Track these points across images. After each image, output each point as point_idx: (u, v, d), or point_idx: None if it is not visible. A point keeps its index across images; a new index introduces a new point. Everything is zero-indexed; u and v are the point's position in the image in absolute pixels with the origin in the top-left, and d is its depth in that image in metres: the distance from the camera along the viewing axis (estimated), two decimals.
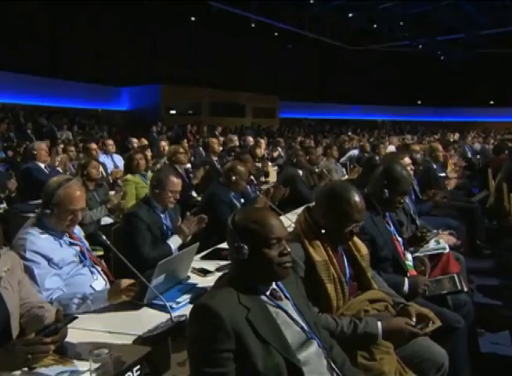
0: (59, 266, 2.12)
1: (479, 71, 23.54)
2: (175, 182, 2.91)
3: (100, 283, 2.27)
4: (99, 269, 2.33)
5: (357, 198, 1.99)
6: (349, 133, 17.74)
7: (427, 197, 4.30)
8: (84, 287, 2.17)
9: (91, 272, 2.27)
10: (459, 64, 22.93)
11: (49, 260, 2.09)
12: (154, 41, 18.52)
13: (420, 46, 23.00)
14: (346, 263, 2.06)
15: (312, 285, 1.90)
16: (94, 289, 2.19)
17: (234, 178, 3.63)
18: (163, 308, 2.00)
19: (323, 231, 1.99)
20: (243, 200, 3.79)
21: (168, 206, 2.94)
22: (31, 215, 2.29)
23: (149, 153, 5.45)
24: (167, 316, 1.93)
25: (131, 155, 4.61)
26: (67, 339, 1.61)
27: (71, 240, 2.26)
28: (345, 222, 1.96)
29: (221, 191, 3.67)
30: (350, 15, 20.22)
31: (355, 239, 2.13)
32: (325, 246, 1.98)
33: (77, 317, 1.58)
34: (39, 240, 2.11)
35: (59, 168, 5.71)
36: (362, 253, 2.11)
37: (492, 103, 26.46)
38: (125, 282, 2.02)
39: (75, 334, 1.71)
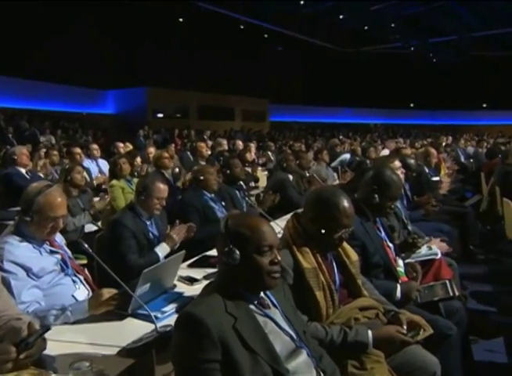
0: (38, 276, 2.10)
1: (472, 74, 23.86)
2: (161, 188, 2.90)
3: (83, 292, 2.25)
4: (82, 278, 2.31)
5: (346, 203, 2.00)
6: (341, 137, 17.84)
7: (419, 203, 4.33)
8: (66, 296, 2.15)
9: (74, 282, 2.24)
10: (452, 66, 23.20)
11: (28, 270, 2.07)
12: (141, 42, 18.47)
13: (412, 48, 23.30)
14: (336, 270, 2.06)
15: (301, 293, 1.91)
16: (76, 299, 2.17)
17: (202, 177, 3.67)
18: (147, 318, 1.98)
19: (312, 237, 2.00)
20: (223, 203, 3.79)
21: (154, 213, 2.93)
22: (11, 222, 2.27)
23: (138, 159, 5.44)
24: (152, 326, 1.92)
25: (114, 160, 4.61)
26: (47, 352, 1.60)
27: (52, 249, 2.23)
28: (334, 228, 1.98)
29: (192, 196, 3.71)
30: (341, 16, 20.43)
31: (345, 245, 2.14)
32: (314, 252, 1.99)
33: (49, 329, 1.56)
34: (18, 250, 2.09)
35: (40, 174, 5.66)
36: (352, 259, 2.12)
37: (485, 105, 26.82)
38: (106, 292, 2.01)
39: (55, 346, 1.69)
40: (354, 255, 2.15)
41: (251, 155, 7.91)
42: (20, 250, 2.10)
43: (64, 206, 2.21)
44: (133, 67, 18.15)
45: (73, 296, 2.18)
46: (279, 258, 1.54)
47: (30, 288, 2.05)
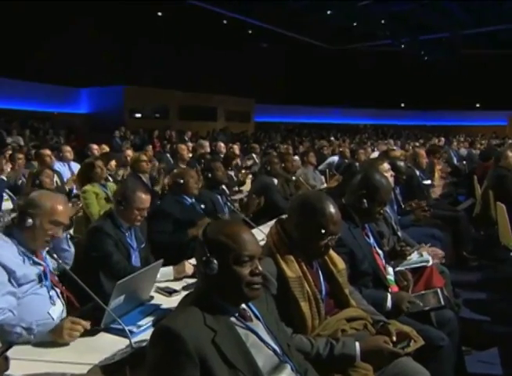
0: (19, 283, 2.11)
1: (464, 72, 24.26)
2: (143, 198, 2.86)
3: (58, 308, 2.25)
4: (58, 291, 2.31)
5: (332, 209, 2.01)
6: (331, 138, 17.97)
7: (410, 208, 4.37)
8: (40, 308, 2.15)
9: (50, 297, 2.24)
10: (444, 65, 23.56)
11: (11, 273, 2.08)
12: (117, 37, 18.33)
13: (403, 46, 23.59)
14: (322, 279, 2.07)
15: (286, 303, 1.91)
16: (51, 316, 2.17)
17: (182, 181, 3.66)
18: (121, 333, 1.97)
19: (297, 244, 2.01)
20: (203, 206, 3.79)
21: (135, 224, 2.90)
22: None
23: (113, 163, 5.39)
24: (127, 341, 1.90)
25: (89, 162, 4.55)
26: (13, 371, 1.57)
27: (35, 259, 2.24)
28: (320, 235, 1.98)
29: (171, 202, 3.70)
30: (329, 12, 20.59)
31: (331, 253, 2.15)
32: (299, 261, 1.99)
33: (10, 347, 1.53)
34: (2, 249, 2.11)
35: (3, 177, 5.54)
36: (339, 268, 2.13)
37: (478, 105, 27.28)
38: (71, 322, 1.96)
39: (19, 365, 1.67)
40: (341, 264, 2.15)
41: (237, 158, 7.95)
42: (5, 251, 2.12)
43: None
44: (109, 64, 17.98)
45: (48, 313, 2.18)
46: (261, 268, 1.53)
47: (6, 295, 2.05)
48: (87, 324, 1.96)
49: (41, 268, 2.25)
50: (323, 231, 1.98)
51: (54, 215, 2.20)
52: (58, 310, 2.23)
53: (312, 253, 2.04)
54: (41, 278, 2.23)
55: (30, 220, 2.16)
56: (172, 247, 3.28)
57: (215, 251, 1.50)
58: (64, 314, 2.27)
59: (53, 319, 2.18)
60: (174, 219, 3.59)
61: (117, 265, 2.70)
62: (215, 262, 1.49)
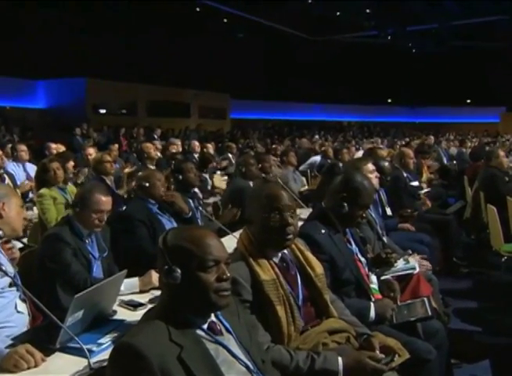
0: None
1: (455, 66, 24.72)
2: (102, 200, 2.82)
3: (24, 317, 2.25)
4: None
5: (274, 189, 2.16)
6: (316, 136, 18.10)
7: (399, 217, 4.45)
8: (4, 313, 2.16)
9: (15, 304, 2.23)
10: (433, 58, 23.96)
11: None
12: (79, 22, 18.01)
13: (389, 37, 23.90)
14: (300, 283, 2.10)
15: (261, 308, 1.94)
16: (15, 323, 2.16)
17: (148, 184, 3.64)
18: (79, 352, 1.93)
19: (264, 242, 2.07)
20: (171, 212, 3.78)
21: (93, 229, 2.86)
22: None
23: (70, 164, 5.32)
24: (85, 361, 1.88)
25: (44, 164, 4.48)
26: None
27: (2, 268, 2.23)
28: (271, 213, 2.05)
29: (137, 207, 3.67)
30: (310, 0, 20.76)
31: (309, 255, 2.19)
32: (271, 263, 2.04)
33: None
34: None
35: None
36: (317, 272, 2.16)
37: (468, 101, 27.84)
38: (25, 350, 1.89)
39: None
40: (319, 268, 2.18)
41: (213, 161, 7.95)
42: None
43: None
44: (69, 53, 17.71)
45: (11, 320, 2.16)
46: (228, 274, 1.54)
47: None
48: (39, 359, 1.89)
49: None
50: (274, 209, 2.05)
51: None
52: (22, 319, 2.22)
53: (275, 245, 2.09)
54: (15, 283, 2.23)
55: None
56: (139, 256, 3.25)
57: (177, 259, 1.51)
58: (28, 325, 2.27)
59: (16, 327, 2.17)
60: (141, 225, 3.55)
61: (75, 277, 2.66)
62: (178, 270, 1.49)
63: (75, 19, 17.68)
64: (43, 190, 4.38)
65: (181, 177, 4.25)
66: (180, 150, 8.79)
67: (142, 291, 2.72)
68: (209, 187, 6.71)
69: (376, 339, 2.03)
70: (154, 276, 2.72)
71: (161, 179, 3.74)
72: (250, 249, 2.06)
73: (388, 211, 4.49)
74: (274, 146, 11.43)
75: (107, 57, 18.37)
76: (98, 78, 17.91)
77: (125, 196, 5.37)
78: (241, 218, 4.30)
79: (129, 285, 2.67)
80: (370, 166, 3.72)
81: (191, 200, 4.26)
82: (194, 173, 4.34)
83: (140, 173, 3.87)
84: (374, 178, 3.70)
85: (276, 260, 2.10)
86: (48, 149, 7.16)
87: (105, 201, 2.84)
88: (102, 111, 18.78)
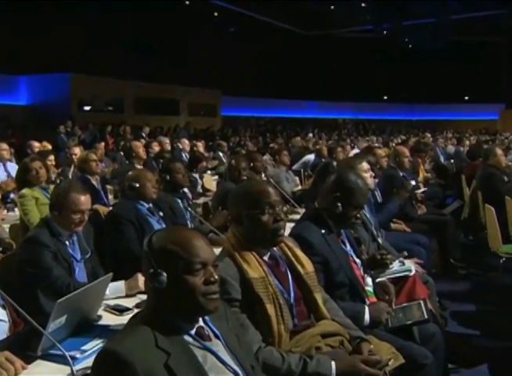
0: None
1: (452, 62, 24.85)
2: (80, 199, 2.79)
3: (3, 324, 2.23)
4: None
5: (263, 185, 2.20)
6: (310, 134, 18.11)
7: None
8: None
9: None
10: (430, 53, 24.04)
11: None
12: (64, 17, 17.91)
13: (385, 32, 23.97)
14: (291, 280, 2.12)
15: (251, 307, 1.95)
16: None
17: (137, 185, 3.63)
18: (62, 360, 1.92)
19: (252, 240, 2.08)
20: (162, 213, 3.77)
21: (75, 230, 2.84)
22: None
23: (50, 162, 5.29)
24: (68, 369, 1.87)
25: (26, 163, 4.46)
26: None
27: None
28: (261, 211, 2.07)
29: (125, 207, 3.66)
30: None
31: (298, 252, 2.21)
32: (259, 261, 2.05)
33: None
34: None
35: None
36: (307, 269, 2.18)
37: (466, 98, 27.99)
38: (4, 358, 1.87)
39: None
40: (309, 265, 2.20)
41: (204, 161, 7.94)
42: None
43: None
44: (54, 48, 17.61)
45: None
46: (216, 276, 1.54)
47: None
48: (19, 367, 1.87)
49: None
50: (265, 205, 2.07)
51: None
52: (2, 326, 2.19)
53: (264, 244, 2.11)
54: None
55: None
56: (127, 258, 3.24)
57: (163, 262, 1.50)
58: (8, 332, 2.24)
59: None
60: (129, 225, 3.54)
61: (57, 282, 2.64)
62: (164, 273, 1.49)
63: (58, 11, 17.56)
64: (25, 190, 4.35)
65: (169, 177, 4.23)
66: (168, 148, 8.76)
67: (128, 295, 2.71)
68: (199, 187, 6.71)
69: (367, 344, 2.05)
70: (141, 280, 2.69)
71: (152, 179, 3.73)
72: (238, 248, 2.07)
73: None
74: (271, 145, 11.46)
75: (93, 52, 18.28)
76: (83, 74, 17.80)
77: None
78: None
79: (114, 289, 2.65)
80: (365, 165, 3.74)
81: (180, 201, 4.25)
82: (183, 173, 4.32)
83: (130, 173, 3.83)
84: (369, 177, 3.71)
85: (266, 258, 2.12)
86: (30, 147, 7.11)
87: (83, 200, 2.81)
88: (88, 108, 18.67)
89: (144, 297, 2.63)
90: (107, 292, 2.57)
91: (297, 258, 2.19)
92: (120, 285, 2.70)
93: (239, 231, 2.12)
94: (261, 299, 1.96)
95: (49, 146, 7.40)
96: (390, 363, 1.95)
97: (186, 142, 9.75)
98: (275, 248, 2.17)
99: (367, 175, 3.68)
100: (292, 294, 2.09)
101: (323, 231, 2.54)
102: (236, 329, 1.72)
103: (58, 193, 2.87)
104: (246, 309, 1.95)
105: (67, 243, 2.83)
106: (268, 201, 2.08)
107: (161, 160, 6.01)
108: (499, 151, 5.67)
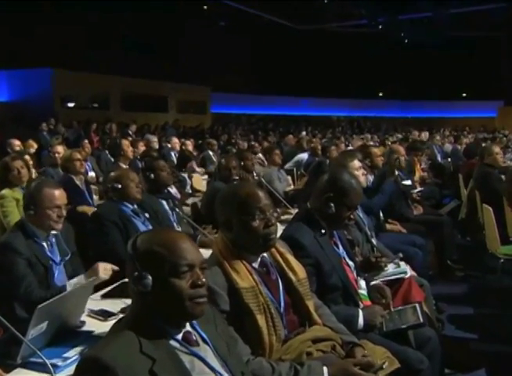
0: None
1: (450, 58, 24.97)
2: (54, 194, 2.78)
3: None
4: None
5: (253, 187, 2.18)
6: (303, 132, 18.14)
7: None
8: None
9: None
10: (427, 49, 24.15)
11: None
12: (45, 9, 17.78)
13: (380, 26, 24.03)
14: (281, 289, 2.11)
15: (240, 318, 1.94)
16: None
17: (120, 186, 3.62)
18: (43, 368, 1.92)
19: (242, 246, 2.07)
20: (147, 215, 3.76)
21: (54, 228, 2.81)
22: None
23: (27, 159, 5.26)
24: None
25: (7, 162, 4.43)
26: None
27: None
28: (252, 216, 2.06)
29: (109, 209, 3.66)
30: None
31: (291, 258, 2.20)
32: (250, 269, 2.04)
33: None
34: None
35: None
36: (300, 276, 2.17)
37: (464, 95, 28.15)
38: None
39: None
40: (302, 272, 2.20)
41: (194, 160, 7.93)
42: None
43: None
44: (35, 42, 17.50)
45: None
46: (203, 279, 1.53)
47: None
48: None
49: None
50: (255, 210, 2.06)
51: None
52: None
53: (254, 249, 2.10)
54: None
55: None
56: (111, 261, 3.22)
57: (148, 264, 1.50)
58: None
59: None
60: (112, 227, 3.53)
61: (31, 292, 2.62)
62: (149, 276, 1.48)
63: (41, 3, 17.45)
64: (4, 191, 4.31)
65: (152, 176, 4.20)
66: (156, 146, 8.74)
67: (114, 298, 2.71)
68: (188, 187, 6.70)
69: (360, 349, 2.05)
70: (101, 268, 2.70)
71: (135, 179, 3.71)
72: (227, 255, 2.06)
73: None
74: (253, 143, 11.43)
75: (77, 46, 18.19)
76: (66, 69, 17.69)
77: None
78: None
79: (75, 283, 2.65)
80: (357, 163, 3.75)
81: (165, 202, 4.23)
82: (167, 171, 4.29)
83: (111, 174, 3.82)
84: (361, 175, 3.72)
85: (256, 265, 2.11)
86: (10, 146, 7.06)
87: (58, 195, 2.80)
88: (71, 105, 18.63)
89: (129, 302, 2.64)
90: (68, 288, 2.57)
91: (288, 264, 2.18)
92: (79, 278, 2.69)
93: (228, 237, 2.10)
94: (251, 310, 1.95)
95: (35, 145, 7.36)
96: (384, 366, 1.95)
97: (176, 140, 9.73)
98: (265, 254, 2.15)
99: (359, 173, 3.69)
100: (282, 304, 2.08)
101: (316, 232, 2.54)
102: (226, 336, 1.71)
103: (30, 191, 2.86)
104: (235, 320, 1.93)
105: (45, 245, 2.81)
106: (258, 206, 2.07)
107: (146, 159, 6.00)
108: (495, 149, 5.67)
